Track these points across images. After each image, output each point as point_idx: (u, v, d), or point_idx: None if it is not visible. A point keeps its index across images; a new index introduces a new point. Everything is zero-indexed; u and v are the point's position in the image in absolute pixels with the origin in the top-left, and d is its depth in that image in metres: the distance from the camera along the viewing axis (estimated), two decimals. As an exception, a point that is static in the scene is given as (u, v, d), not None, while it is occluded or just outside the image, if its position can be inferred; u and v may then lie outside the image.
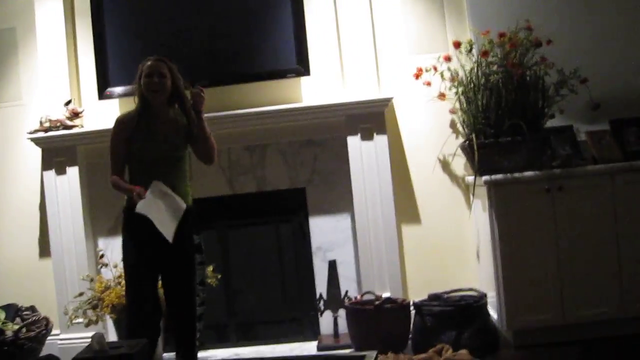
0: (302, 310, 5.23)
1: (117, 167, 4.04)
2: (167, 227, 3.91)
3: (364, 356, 4.02)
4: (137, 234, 3.97)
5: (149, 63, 4.01)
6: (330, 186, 5.17)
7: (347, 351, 4.71)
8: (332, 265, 5.02)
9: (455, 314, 4.53)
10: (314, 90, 5.23)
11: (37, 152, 5.32)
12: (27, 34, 5.47)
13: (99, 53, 5.26)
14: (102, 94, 5.26)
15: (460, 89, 4.87)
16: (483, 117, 4.71)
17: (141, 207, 3.83)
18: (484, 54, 4.75)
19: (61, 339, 5.15)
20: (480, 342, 4.46)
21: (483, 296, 4.67)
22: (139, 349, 3.29)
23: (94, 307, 4.85)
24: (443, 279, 5.05)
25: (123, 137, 4.01)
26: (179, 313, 4.09)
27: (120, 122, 4.08)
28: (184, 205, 4.00)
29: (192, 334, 4.11)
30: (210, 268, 4.91)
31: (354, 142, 5.04)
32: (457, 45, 4.89)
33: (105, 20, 5.25)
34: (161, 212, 3.89)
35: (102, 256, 5.09)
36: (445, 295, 4.75)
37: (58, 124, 5.18)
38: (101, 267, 5.08)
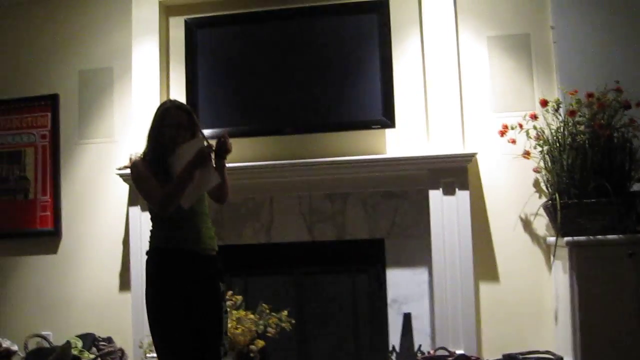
0: (374, 361, 5.21)
1: (158, 185, 3.69)
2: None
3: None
4: (178, 281, 3.71)
5: (172, 112, 3.80)
6: (409, 239, 5.16)
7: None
8: (407, 318, 4.99)
9: (530, 376, 4.44)
10: (398, 142, 5.26)
11: (125, 187, 5.48)
12: (123, 74, 5.69)
13: (190, 96, 5.41)
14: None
15: (545, 148, 4.83)
16: (568, 177, 4.65)
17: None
18: (571, 113, 4.71)
19: (134, 373, 5.24)
20: (554, 407, 4.36)
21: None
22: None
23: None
24: (518, 339, 4.96)
25: (150, 171, 3.74)
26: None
27: (142, 161, 3.83)
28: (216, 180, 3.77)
29: None
30: (285, 313, 4.95)
31: (435, 196, 5.03)
32: (544, 103, 4.86)
33: (199, 63, 5.42)
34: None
35: (180, 293, 5.16)
36: (521, 357, 4.65)
37: (146, 162, 5.32)
38: (178, 304, 5.14)
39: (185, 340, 3.65)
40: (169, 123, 3.77)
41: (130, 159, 5.32)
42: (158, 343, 3.71)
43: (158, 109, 3.86)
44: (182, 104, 3.89)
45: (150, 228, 3.85)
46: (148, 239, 3.84)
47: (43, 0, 5.98)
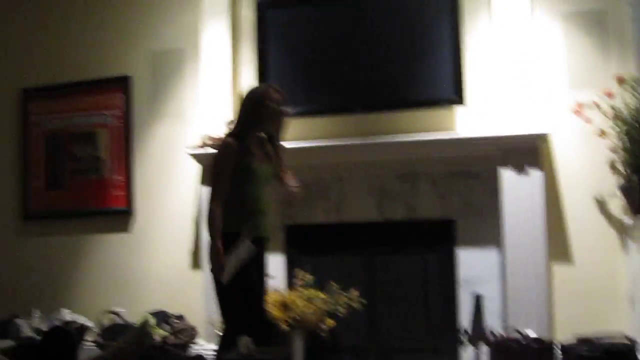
0: (444, 341, 5.17)
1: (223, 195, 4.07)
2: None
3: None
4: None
5: (279, 95, 4.07)
6: (481, 219, 5.10)
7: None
8: (478, 300, 4.94)
9: (605, 360, 4.35)
10: (468, 120, 5.19)
11: (196, 167, 5.54)
12: (194, 54, 5.72)
13: (261, 75, 5.43)
14: (262, 115, 5.42)
15: (622, 127, 4.71)
16: (644, 158, 4.54)
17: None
18: (648, 91, 4.59)
19: (205, 349, 5.27)
20: (631, 390, 4.27)
21: (636, 344, 4.47)
22: (284, 357, 3.35)
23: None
24: (592, 322, 4.84)
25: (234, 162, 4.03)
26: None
27: (237, 143, 4.03)
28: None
29: None
30: (355, 292, 4.95)
31: (508, 176, 4.95)
32: (620, 80, 4.74)
33: (269, 43, 5.44)
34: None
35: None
36: (595, 340, 4.56)
37: (217, 142, 5.36)
38: (249, 282, 5.19)
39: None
40: (275, 114, 4.06)
41: (202, 139, 5.39)
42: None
43: (259, 92, 4.11)
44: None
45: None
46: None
47: (115, -19, 6.07)
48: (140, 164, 5.89)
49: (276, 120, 4.05)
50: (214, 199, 3.94)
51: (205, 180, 5.45)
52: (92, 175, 6.00)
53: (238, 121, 4.13)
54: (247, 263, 3.90)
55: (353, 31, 5.33)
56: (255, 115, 4.02)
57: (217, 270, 3.87)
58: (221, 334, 4.09)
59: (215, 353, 4.15)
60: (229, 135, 4.10)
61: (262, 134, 4.03)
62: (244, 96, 4.17)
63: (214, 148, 5.31)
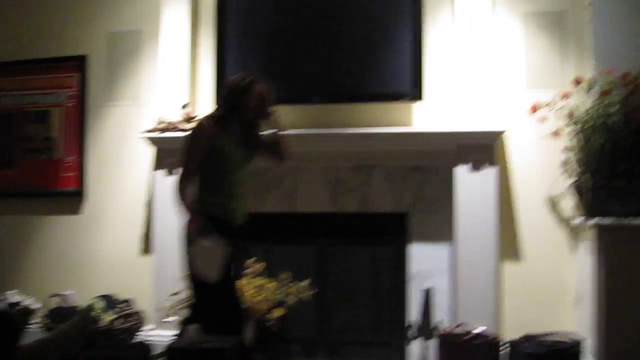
0: (393, 335, 5.19)
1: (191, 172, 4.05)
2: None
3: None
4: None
5: (263, 87, 4.06)
6: (433, 214, 5.12)
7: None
8: (428, 294, 4.96)
9: (549, 358, 4.38)
10: (425, 115, 5.20)
11: (150, 151, 5.48)
12: (152, 37, 5.65)
13: (219, 61, 5.38)
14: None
15: (576, 128, 4.75)
16: (598, 158, 4.58)
17: None
18: (605, 93, 4.62)
19: (151, 335, 5.22)
20: (574, 388, 4.32)
21: (580, 342, 4.52)
22: (232, 344, 3.34)
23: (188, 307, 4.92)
24: (540, 320, 4.92)
25: (206, 143, 3.99)
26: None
27: (212, 124, 4.02)
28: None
29: None
30: (306, 283, 4.94)
31: (462, 172, 4.98)
32: (578, 82, 4.78)
33: (228, 29, 5.39)
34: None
35: (201, 259, 5.16)
36: (541, 338, 4.61)
37: (172, 126, 5.31)
38: (199, 269, 5.14)
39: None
40: (264, 98, 4.04)
41: (157, 122, 5.33)
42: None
43: (243, 80, 4.05)
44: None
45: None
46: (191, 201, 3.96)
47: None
48: (94, 146, 5.80)
49: (258, 113, 4.05)
50: (182, 177, 3.95)
51: (158, 165, 5.41)
52: (44, 155, 5.89)
53: (220, 105, 4.16)
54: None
55: (314, 21, 5.31)
56: (238, 103, 4.02)
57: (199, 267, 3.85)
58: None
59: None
60: (207, 116, 4.09)
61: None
62: (231, 81, 4.13)
63: (170, 132, 5.30)
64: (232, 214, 4.00)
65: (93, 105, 5.83)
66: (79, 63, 5.86)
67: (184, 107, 5.35)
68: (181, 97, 5.42)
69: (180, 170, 3.98)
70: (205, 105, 5.47)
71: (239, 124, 4.05)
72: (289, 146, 4.17)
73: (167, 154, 5.38)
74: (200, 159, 3.95)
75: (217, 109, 4.14)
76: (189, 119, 5.33)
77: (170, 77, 5.48)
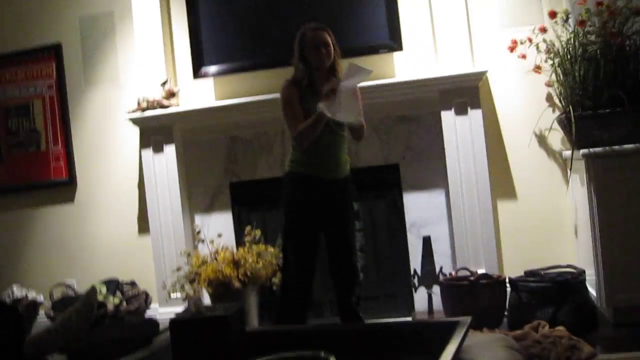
0: (397, 286, 5.23)
1: (300, 113, 3.94)
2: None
3: (457, 322, 3.94)
4: (302, 199, 3.99)
5: (312, 33, 3.98)
6: (424, 162, 5.14)
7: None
8: (427, 242, 4.98)
9: (552, 290, 4.41)
10: (407, 65, 5.19)
11: (135, 131, 5.48)
12: (124, 17, 5.62)
13: (193, 33, 5.36)
14: (197, 73, 5.36)
15: (556, 61, 4.75)
16: (581, 89, 4.57)
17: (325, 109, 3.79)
18: (581, 23, 4.60)
19: (160, 313, 5.27)
20: (578, 319, 4.34)
21: (581, 273, 4.56)
22: (234, 311, 3.36)
23: (191, 282, 4.95)
24: (540, 255, 4.95)
25: (297, 97, 3.95)
26: (341, 279, 4.08)
27: (291, 84, 4.01)
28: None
29: (354, 300, 4.09)
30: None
31: (448, 117, 4.98)
32: (552, 15, 4.76)
33: (199, 1, 5.33)
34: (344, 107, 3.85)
35: (198, 232, 5.19)
36: (542, 272, 4.65)
37: (155, 104, 5.30)
38: (198, 243, 5.17)
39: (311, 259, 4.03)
40: (314, 44, 3.95)
41: (139, 102, 5.32)
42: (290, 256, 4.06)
43: (297, 35, 4.03)
44: (318, 24, 4.04)
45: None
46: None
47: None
48: (79, 133, 5.78)
49: (314, 49, 3.96)
50: (289, 126, 3.98)
51: (144, 144, 5.43)
52: (30, 148, 5.88)
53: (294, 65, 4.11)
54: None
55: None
56: (299, 53, 4.01)
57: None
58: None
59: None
60: (288, 80, 4.06)
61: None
62: None
63: (152, 110, 5.28)
64: (315, 169, 3.97)
65: (73, 92, 5.80)
66: (54, 51, 5.82)
67: (163, 84, 5.32)
68: (160, 74, 5.39)
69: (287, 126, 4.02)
70: (185, 79, 5.45)
71: (309, 78, 3.99)
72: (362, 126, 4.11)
73: (151, 132, 5.38)
74: (301, 113, 3.92)
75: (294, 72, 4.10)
76: (170, 95, 5.31)
77: (146, 55, 5.44)
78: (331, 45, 3.98)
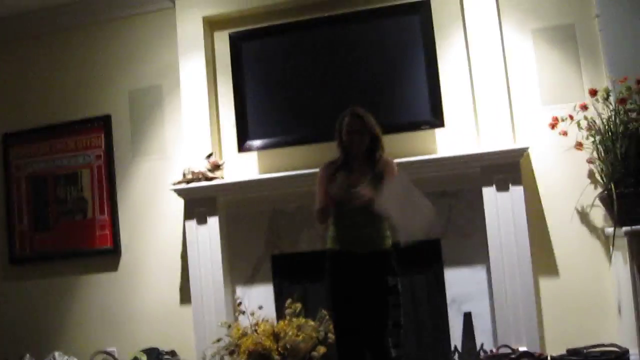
0: (437, 360, 5.18)
1: (324, 194, 4.13)
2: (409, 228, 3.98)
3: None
4: (342, 279, 4.10)
5: (348, 119, 4.12)
6: (465, 237, 5.13)
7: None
8: (468, 318, 4.96)
9: (597, 370, 4.37)
10: (448, 141, 5.24)
11: (180, 202, 5.56)
12: (172, 91, 5.78)
13: (238, 108, 5.49)
14: (242, 147, 5.47)
15: (597, 138, 4.77)
16: (622, 166, 4.59)
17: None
18: (622, 101, 4.65)
19: (199, 384, 5.28)
20: (622, 399, 4.28)
21: (625, 352, 4.49)
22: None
23: (231, 353, 4.96)
24: (582, 333, 4.88)
25: (327, 178, 4.13)
26: (371, 355, 4.10)
27: (327, 164, 4.22)
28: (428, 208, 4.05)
29: None
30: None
31: (489, 193, 5.00)
32: (593, 93, 4.81)
33: (245, 77, 5.49)
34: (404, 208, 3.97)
35: (239, 304, 5.21)
36: (585, 350, 4.59)
37: (200, 176, 5.39)
38: (238, 314, 5.19)
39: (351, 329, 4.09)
40: (347, 131, 4.12)
41: (184, 174, 5.42)
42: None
43: (339, 117, 4.20)
44: (358, 111, 4.17)
45: None
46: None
47: (90, 24, 6.11)
48: (124, 202, 5.91)
49: (347, 136, 4.12)
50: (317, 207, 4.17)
51: (188, 215, 5.50)
52: (77, 216, 6.00)
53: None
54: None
55: (329, 61, 5.39)
56: (338, 135, 4.17)
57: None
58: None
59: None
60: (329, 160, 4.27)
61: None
62: None
63: (197, 182, 5.37)
64: (345, 245, 4.10)
65: (121, 163, 5.94)
66: (103, 123, 5.99)
67: (208, 156, 5.42)
68: (205, 146, 5.51)
69: None
70: (230, 152, 5.57)
71: (345, 158, 4.17)
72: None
73: (196, 204, 5.46)
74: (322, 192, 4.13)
75: None
76: (215, 167, 5.41)
77: (193, 129, 5.57)
78: (366, 133, 4.12)
